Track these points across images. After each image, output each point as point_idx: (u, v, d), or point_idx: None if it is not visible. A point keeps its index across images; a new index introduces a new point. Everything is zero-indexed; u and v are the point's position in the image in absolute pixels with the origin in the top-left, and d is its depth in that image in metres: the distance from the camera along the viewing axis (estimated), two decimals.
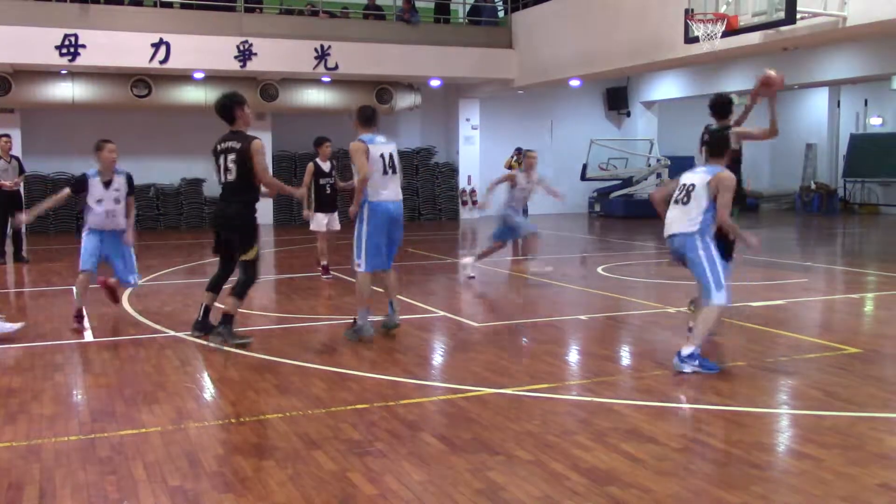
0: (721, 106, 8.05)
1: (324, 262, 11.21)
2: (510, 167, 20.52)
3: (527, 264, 11.89)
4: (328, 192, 11.09)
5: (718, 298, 6.17)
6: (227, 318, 7.13)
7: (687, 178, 6.55)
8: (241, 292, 7.17)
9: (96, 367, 6.55)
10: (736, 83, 21.22)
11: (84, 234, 8.11)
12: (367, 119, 7.39)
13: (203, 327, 7.45)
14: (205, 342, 7.20)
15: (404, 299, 9.51)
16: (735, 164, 7.30)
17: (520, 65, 19.36)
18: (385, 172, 7.20)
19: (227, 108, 7.13)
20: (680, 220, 6.42)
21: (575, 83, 20.20)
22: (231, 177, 7.05)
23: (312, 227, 11.10)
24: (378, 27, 18.94)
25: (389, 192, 7.26)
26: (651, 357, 6.80)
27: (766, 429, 5.08)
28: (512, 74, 19.51)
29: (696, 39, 12.19)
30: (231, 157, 7.03)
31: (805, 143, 24.38)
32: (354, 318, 7.51)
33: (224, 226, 7.26)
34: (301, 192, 8.59)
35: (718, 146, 6.61)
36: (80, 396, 5.78)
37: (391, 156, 7.28)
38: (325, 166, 11.13)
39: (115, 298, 8.83)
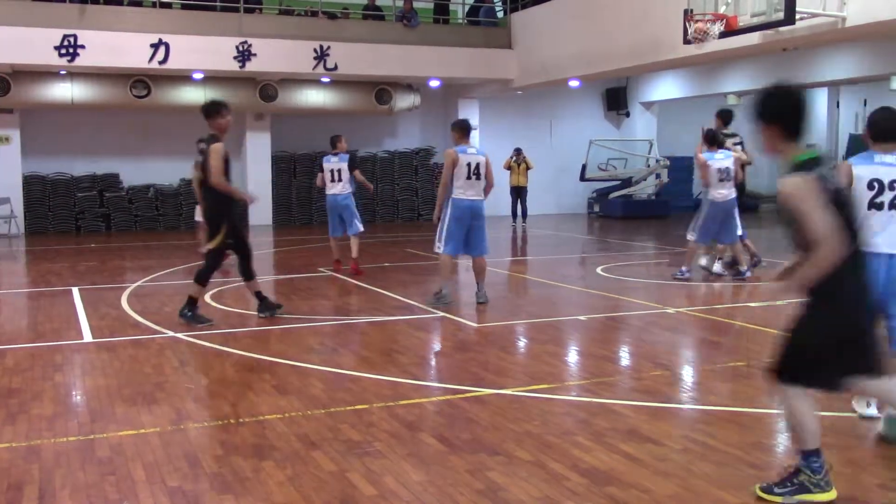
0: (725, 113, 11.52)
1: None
2: (509, 167, 20.56)
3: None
4: None
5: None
6: (191, 301, 7.99)
7: (721, 163, 10.54)
8: (199, 278, 8.01)
9: (96, 367, 6.54)
10: (735, 84, 21.24)
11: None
12: (463, 131, 8.97)
13: (265, 308, 8.36)
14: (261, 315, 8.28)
15: (403, 299, 9.52)
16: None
17: (519, 65, 19.35)
18: (469, 178, 8.80)
19: (209, 111, 7.99)
20: (729, 190, 10.48)
21: (574, 84, 20.20)
22: (201, 174, 8.14)
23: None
24: (377, 28, 18.93)
25: (471, 192, 8.84)
26: (650, 357, 6.80)
27: (765, 429, 5.09)
28: (511, 75, 19.50)
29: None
30: (200, 157, 8.11)
31: (804, 144, 24.39)
32: (440, 288, 9.08)
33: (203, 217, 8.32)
34: (251, 199, 8.82)
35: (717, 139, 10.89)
36: (80, 397, 5.78)
37: (477, 165, 8.80)
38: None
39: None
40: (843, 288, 3.63)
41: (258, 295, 8.40)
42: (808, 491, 3.78)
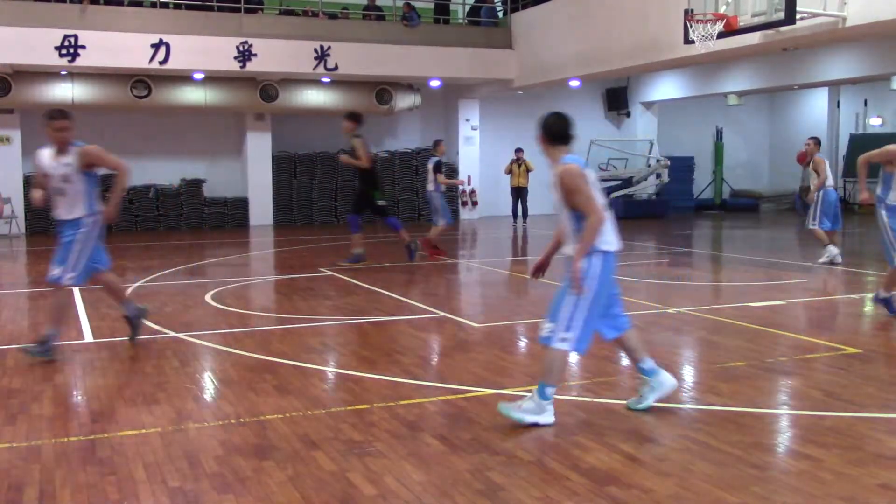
0: None
1: None
2: (510, 172, 20.55)
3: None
4: None
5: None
6: None
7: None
8: None
9: (96, 367, 6.55)
10: (736, 83, 21.24)
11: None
12: None
13: None
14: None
15: (403, 299, 9.52)
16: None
17: (519, 65, 19.36)
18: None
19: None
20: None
21: (574, 83, 20.21)
22: None
23: None
24: (378, 28, 18.94)
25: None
26: (651, 357, 6.79)
27: (765, 429, 5.08)
28: (511, 75, 19.51)
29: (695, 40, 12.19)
30: None
31: (804, 144, 24.40)
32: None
33: None
34: None
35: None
36: (80, 397, 5.78)
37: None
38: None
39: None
40: None
41: None
42: None
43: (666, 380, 5.27)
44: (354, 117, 12.27)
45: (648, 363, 5.26)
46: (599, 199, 4.95)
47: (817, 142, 12.96)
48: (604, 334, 5.20)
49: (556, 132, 5.12)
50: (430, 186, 13.50)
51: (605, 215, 4.93)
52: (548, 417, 4.98)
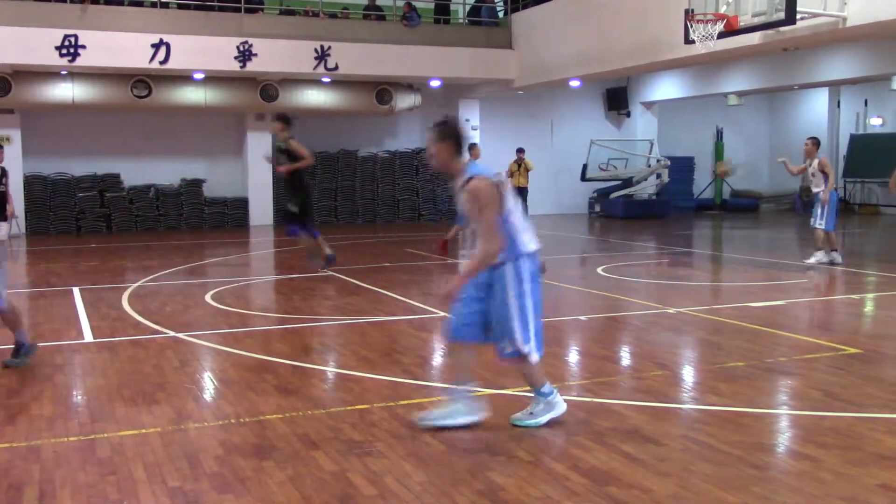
0: None
1: None
2: (511, 174, 20.51)
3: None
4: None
5: None
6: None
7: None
8: None
9: (96, 367, 6.55)
10: (736, 84, 21.24)
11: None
12: None
13: None
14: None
15: (403, 299, 9.52)
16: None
17: (520, 65, 19.35)
18: None
19: None
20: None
21: (575, 83, 20.19)
22: None
23: None
24: (378, 28, 18.94)
25: None
26: (651, 357, 6.80)
27: (765, 429, 5.08)
28: (512, 75, 19.50)
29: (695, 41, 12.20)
30: None
31: (804, 143, 24.38)
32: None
33: None
34: None
35: None
36: (80, 397, 5.78)
37: None
38: None
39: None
40: None
41: None
42: None
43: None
44: (283, 119, 11.56)
45: (462, 385, 4.97)
46: (510, 206, 4.70)
47: (816, 142, 12.91)
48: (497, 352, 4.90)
49: (462, 139, 4.86)
50: None
51: (502, 245, 4.63)
52: (560, 407, 5.00)
